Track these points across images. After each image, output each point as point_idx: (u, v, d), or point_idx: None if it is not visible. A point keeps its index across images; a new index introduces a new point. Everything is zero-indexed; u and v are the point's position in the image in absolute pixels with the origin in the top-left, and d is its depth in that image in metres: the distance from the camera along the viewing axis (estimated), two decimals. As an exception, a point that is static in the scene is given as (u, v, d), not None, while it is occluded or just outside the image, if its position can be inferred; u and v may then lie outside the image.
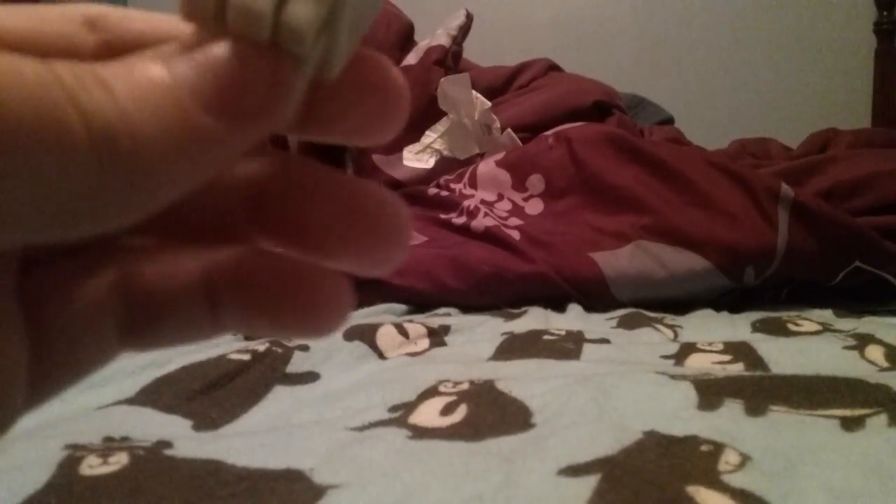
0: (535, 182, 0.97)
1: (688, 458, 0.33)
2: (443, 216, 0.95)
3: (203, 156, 0.12)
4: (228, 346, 0.57)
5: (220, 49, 0.13)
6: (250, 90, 0.12)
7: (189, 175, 0.12)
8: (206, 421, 0.44)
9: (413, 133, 1.21)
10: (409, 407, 0.44)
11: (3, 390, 0.14)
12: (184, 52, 0.13)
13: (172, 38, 0.14)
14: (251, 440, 0.39)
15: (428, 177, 1.10)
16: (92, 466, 0.34)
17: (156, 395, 0.46)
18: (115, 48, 0.15)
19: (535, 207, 0.95)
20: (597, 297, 0.84)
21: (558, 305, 0.82)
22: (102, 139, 0.11)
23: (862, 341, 0.55)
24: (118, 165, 0.11)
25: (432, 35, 1.35)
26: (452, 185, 1.00)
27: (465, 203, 0.95)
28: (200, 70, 0.12)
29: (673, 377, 0.44)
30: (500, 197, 0.97)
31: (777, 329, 0.66)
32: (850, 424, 0.37)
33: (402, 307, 0.83)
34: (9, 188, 0.10)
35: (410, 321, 0.68)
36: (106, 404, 0.45)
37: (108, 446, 0.37)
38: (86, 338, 0.16)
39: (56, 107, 0.11)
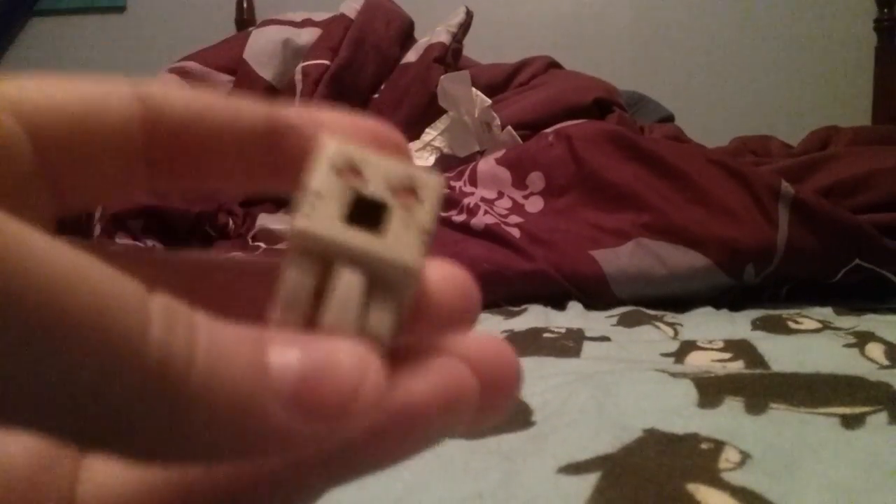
0: (536, 180, 0.97)
1: (688, 456, 0.33)
2: (442, 214, 0.95)
3: (259, 434, 0.12)
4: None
5: (330, 354, 0.12)
6: (340, 402, 0.12)
7: (243, 441, 0.12)
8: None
9: (413, 130, 1.21)
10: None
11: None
12: (283, 342, 0.12)
13: (214, 120, 0.15)
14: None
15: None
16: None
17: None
18: (162, 122, 0.15)
19: (535, 205, 0.95)
20: (597, 294, 0.84)
21: (558, 303, 0.82)
22: (168, 370, 0.11)
23: (862, 339, 0.55)
24: (167, 390, 0.11)
25: (432, 32, 1.35)
26: (452, 183, 1.00)
27: (465, 201, 0.95)
28: (306, 360, 0.12)
29: (673, 375, 0.44)
30: (501, 194, 0.97)
31: (777, 327, 0.66)
32: (850, 422, 0.37)
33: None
34: (61, 380, 0.10)
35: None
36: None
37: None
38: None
39: (133, 333, 0.10)
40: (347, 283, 0.14)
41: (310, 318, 0.14)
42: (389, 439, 0.14)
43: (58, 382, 0.10)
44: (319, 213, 0.14)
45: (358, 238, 0.14)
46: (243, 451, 0.12)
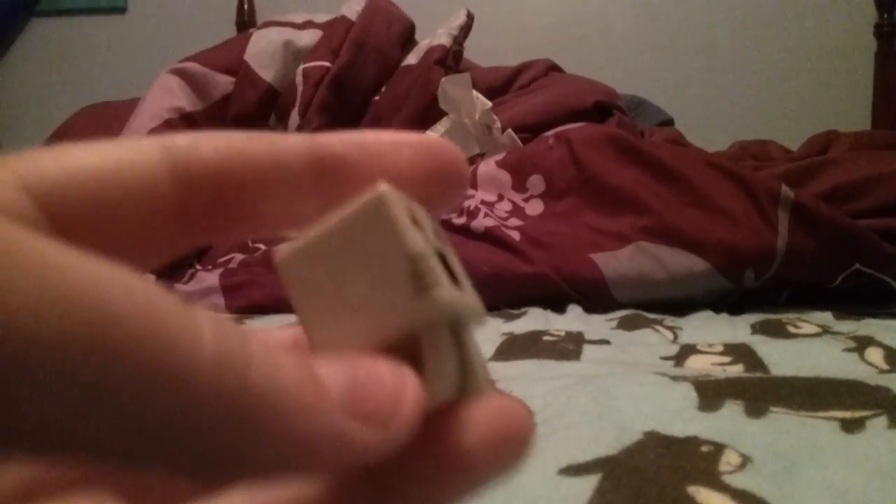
0: (536, 182, 0.97)
1: (688, 459, 0.33)
2: (443, 216, 0.95)
3: (313, 441, 0.12)
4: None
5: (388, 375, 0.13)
6: (374, 403, 0.12)
7: (296, 450, 0.12)
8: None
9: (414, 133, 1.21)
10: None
11: None
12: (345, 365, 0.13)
13: (234, 162, 0.15)
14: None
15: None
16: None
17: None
18: (189, 173, 0.15)
19: (535, 208, 0.95)
20: (596, 298, 0.84)
21: (558, 306, 0.82)
22: (226, 369, 0.10)
23: (861, 343, 0.55)
24: (231, 400, 0.11)
25: (433, 35, 1.35)
26: (453, 186, 1.00)
27: (466, 203, 0.95)
28: (351, 371, 0.12)
29: (673, 378, 0.44)
30: (501, 197, 0.97)
31: (777, 331, 0.66)
32: (850, 426, 0.37)
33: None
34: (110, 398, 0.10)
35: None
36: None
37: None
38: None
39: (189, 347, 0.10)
40: (446, 343, 0.14)
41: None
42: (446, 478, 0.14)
43: (117, 405, 0.10)
44: (443, 278, 0.13)
45: (466, 297, 0.14)
46: (299, 463, 0.12)
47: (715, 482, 0.31)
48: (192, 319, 0.11)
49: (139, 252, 0.15)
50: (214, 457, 0.11)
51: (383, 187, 0.14)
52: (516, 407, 0.15)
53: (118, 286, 0.10)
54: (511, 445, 0.14)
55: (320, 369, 0.12)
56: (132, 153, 0.14)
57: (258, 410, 0.11)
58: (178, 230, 0.15)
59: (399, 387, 0.13)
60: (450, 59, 1.30)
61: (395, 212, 0.13)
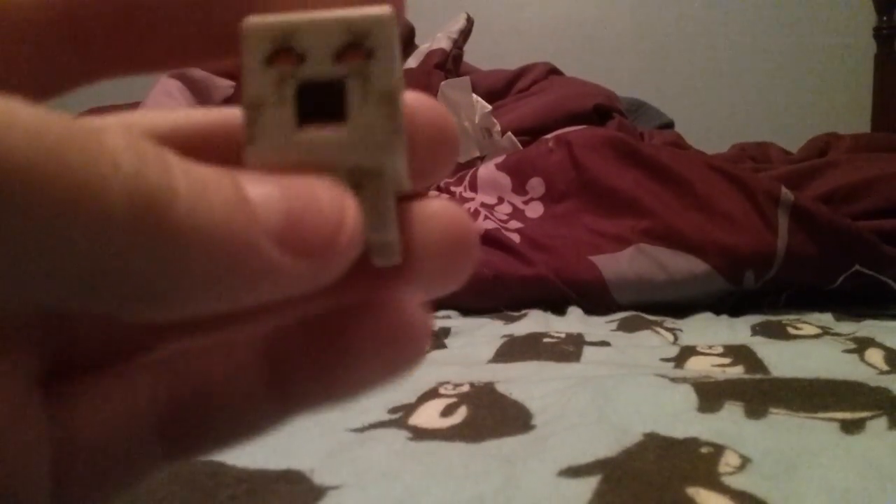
0: (536, 185, 0.97)
1: (688, 460, 0.33)
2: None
3: (252, 276, 0.11)
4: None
5: (315, 187, 0.12)
6: (315, 229, 0.12)
7: (235, 286, 0.11)
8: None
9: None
10: (409, 408, 0.44)
11: (22, 492, 0.13)
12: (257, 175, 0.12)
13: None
14: (250, 441, 0.39)
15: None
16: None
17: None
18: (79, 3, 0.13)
19: (535, 211, 0.95)
20: (597, 300, 0.84)
21: (558, 308, 0.82)
22: (143, 212, 0.10)
23: (861, 345, 0.55)
24: (153, 242, 0.10)
25: (433, 38, 1.35)
26: (452, 188, 1.00)
27: (466, 206, 0.95)
28: (287, 197, 0.11)
29: (673, 380, 0.44)
30: (501, 200, 0.97)
31: (777, 332, 0.66)
32: (850, 427, 0.37)
33: (402, 310, 0.83)
34: (23, 242, 0.09)
35: (410, 323, 0.68)
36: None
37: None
38: (119, 451, 0.15)
39: (90, 168, 0.09)
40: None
41: None
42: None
43: (32, 251, 0.09)
44: (268, 131, 0.12)
45: (318, 143, 0.12)
46: (235, 295, 0.11)
47: (715, 483, 0.31)
48: (105, 153, 0.10)
49: (22, 82, 0.14)
50: (139, 295, 0.10)
51: (247, 21, 0.12)
52: (453, 207, 0.15)
53: (22, 125, 0.09)
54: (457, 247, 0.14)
55: (254, 191, 0.11)
56: None
57: (183, 248, 0.10)
58: (66, 58, 0.14)
59: (339, 216, 0.12)
60: (449, 62, 1.30)
61: (246, 47, 0.13)
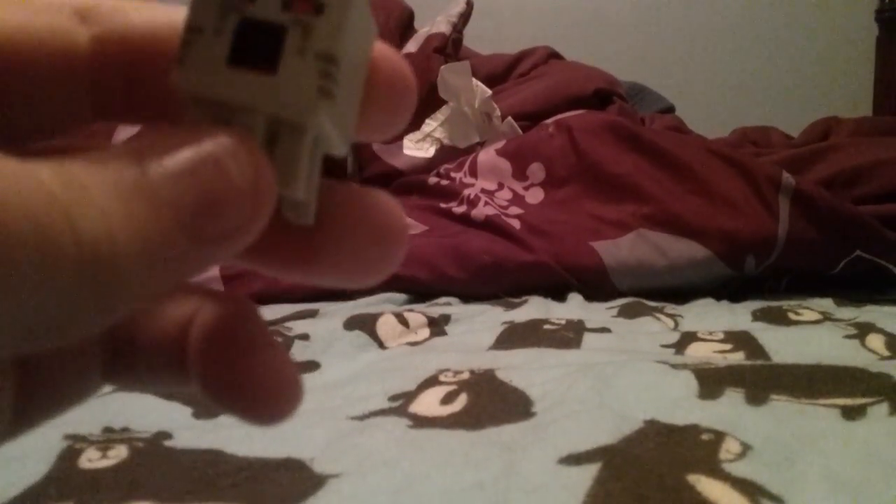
0: (536, 171, 0.96)
1: (689, 447, 0.33)
2: (443, 205, 0.95)
3: (176, 270, 0.12)
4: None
5: (199, 152, 0.12)
6: (229, 211, 0.12)
7: (162, 284, 0.12)
8: (207, 409, 0.44)
9: (413, 121, 1.21)
10: (410, 396, 0.44)
11: None
12: (160, 149, 0.12)
13: (168, 34, 0.13)
14: (251, 429, 0.39)
15: (428, 165, 1.10)
16: (91, 460, 0.34)
17: (156, 384, 0.46)
18: (110, 43, 0.14)
19: (535, 196, 0.95)
20: (597, 286, 0.84)
21: (558, 295, 0.82)
22: (89, 254, 0.10)
23: (862, 330, 0.55)
24: (99, 279, 0.10)
25: (432, 22, 1.34)
26: (453, 174, 1.00)
27: (466, 192, 0.95)
28: (177, 179, 0.11)
29: (674, 366, 0.44)
30: (501, 186, 0.97)
31: (778, 318, 0.66)
32: (850, 413, 0.37)
33: (402, 297, 0.83)
34: None
35: (411, 311, 0.68)
36: (107, 391, 0.45)
37: (108, 438, 0.37)
38: (69, 377, 0.16)
39: (51, 222, 0.10)
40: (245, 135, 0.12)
41: None
42: None
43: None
44: (199, 57, 0.12)
45: (242, 83, 0.12)
46: (145, 296, 0.12)
47: (715, 470, 0.31)
48: (39, 183, 0.10)
49: (39, 122, 0.14)
50: (59, 327, 0.11)
51: None
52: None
53: None
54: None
55: (165, 181, 0.11)
56: (48, 15, 0.13)
57: (126, 285, 0.11)
58: (87, 102, 0.14)
59: (251, 193, 0.12)
60: (449, 46, 1.29)
61: None
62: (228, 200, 0.12)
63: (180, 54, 0.12)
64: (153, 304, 0.13)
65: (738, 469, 0.31)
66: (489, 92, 1.14)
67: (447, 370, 0.47)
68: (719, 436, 0.34)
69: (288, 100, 0.12)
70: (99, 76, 0.14)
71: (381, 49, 0.14)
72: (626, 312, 0.71)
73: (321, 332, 0.59)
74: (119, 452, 0.35)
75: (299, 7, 0.12)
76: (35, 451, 0.35)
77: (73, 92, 0.14)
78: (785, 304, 0.72)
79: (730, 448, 0.33)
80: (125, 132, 1.13)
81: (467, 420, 0.39)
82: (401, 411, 0.41)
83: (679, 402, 0.39)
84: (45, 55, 0.13)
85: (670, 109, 1.52)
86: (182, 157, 0.12)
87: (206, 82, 0.12)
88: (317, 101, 0.12)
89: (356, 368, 0.52)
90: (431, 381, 0.45)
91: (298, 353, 0.55)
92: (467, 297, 0.82)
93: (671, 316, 0.69)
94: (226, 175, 0.12)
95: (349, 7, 0.12)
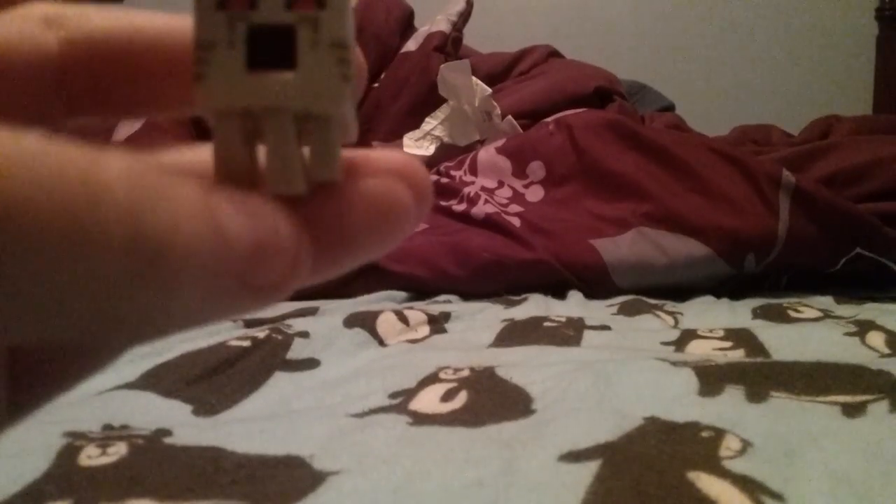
0: (536, 169, 0.96)
1: (689, 444, 0.33)
2: (443, 203, 0.95)
3: (212, 312, 0.12)
4: (228, 333, 0.57)
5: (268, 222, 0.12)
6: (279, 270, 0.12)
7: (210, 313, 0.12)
8: (206, 406, 0.44)
9: (413, 120, 1.21)
10: (410, 393, 0.44)
11: None
12: (236, 207, 0.12)
13: (137, 36, 0.14)
14: (251, 426, 0.39)
15: (428, 164, 1.10)
16: (91, 457, 0.34)
17: (156, 380, 0.46)
18: (77, 45, 0.14)
19: (535, 194, 0.95)
20: (597, 284, 0.84)
21: (558, 292, 0.82)
22: (142, 256, 0.10)
23: (863, 328, 0.55)
24: (147, 283, 0.10)
25: (432, 21, 1.34)
26: (453, 172, 1.00)
27: (466, 190, 0.95)
28: (255, 238, 0.12)
29: (674, 364, 0.44)
30: (501, 184, 0.97)
31: (778, 316, 0.66)
32: (851, 410, 0.37)
33: (402, 294, 0.83)
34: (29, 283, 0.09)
35: (411, 308, 0.68)
36: (106, 389, 0.45)
37: (108, 435, 0.37)
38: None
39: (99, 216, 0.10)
40: (277, 136, 0.13)
41: (252, 172, 0.13)
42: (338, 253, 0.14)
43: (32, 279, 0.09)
44: (218, 71, 0.13)
45: (268, 86, 0.13)
46: (198, 318, 0.12)
47: (715, 468, 0.31)
48: (101, 185, 0.10)
49: (13, 121, 0.14)
50: (114, 327, 0.11)
51: None
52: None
53: (23, 158, 0.09)
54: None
55: (225, 220, 0.11)
56: (18, 22, 0.14)
57: (176, 290, 0.11)
58: (56, 104, 0.14)
59: (296, 247, 0.12)
60: (449, 45, 1.29)
61: None
62: (274, 261, 0.12)
63: (197, 73, 0.13)
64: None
65: (739, 466, 0.31)
66: (489, 90, 1.14)
67: (447, 368, 0.47)
68: (719, 433, 0.34)
69: (315, 91, 0.13)
70: (68, 77, 0.14)
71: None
72: (627, 310, 0.71)
73: (321, 330, 0.59)
74: (119, 450, 0.35)
75: (302, 5, 0.13)
76: (34, 449, 0.35)
77: (44, 92, 0.14)
78: (785, 301, 0.72)
79: (730, 445, 0.33)
80: (125, 131, 1.13)
81: (467, 417, 0.39)
82: (401, 409, 0.41)
83: (679, 400, 0.39)
84: (18, 59, 0.14)
85: (670, 108, 1.52)
86: (245, 208, 0.12)
87: (232, 93, 0.13)
88: (340, 89, 0.13)
89: (356, 366, 0.52)
90: (431, 379, 0.45)
91: (298, 350, 0.55)
92: (467, 295, 0.82)
93: (671, 313, 0.69)
94: (280, 239, 0.12)
95: None
